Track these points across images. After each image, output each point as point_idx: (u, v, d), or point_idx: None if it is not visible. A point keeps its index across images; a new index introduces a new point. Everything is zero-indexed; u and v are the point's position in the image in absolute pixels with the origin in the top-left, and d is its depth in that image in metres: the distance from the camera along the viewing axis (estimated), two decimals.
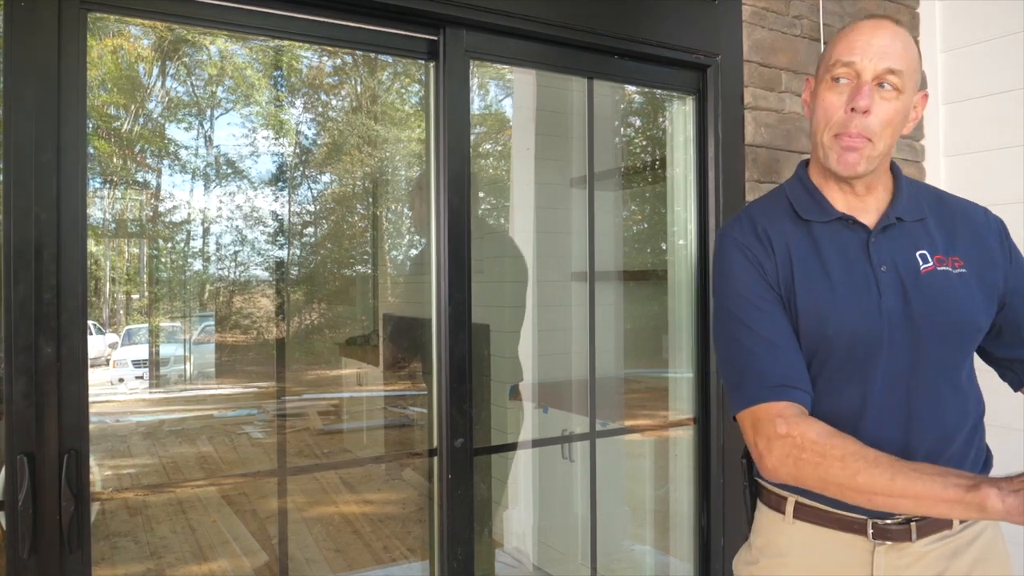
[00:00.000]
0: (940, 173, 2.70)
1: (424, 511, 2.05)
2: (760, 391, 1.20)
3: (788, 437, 1.14)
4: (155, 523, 3.55)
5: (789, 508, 1.33)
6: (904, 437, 1.24)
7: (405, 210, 4.60)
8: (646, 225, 3.65)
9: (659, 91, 2.54)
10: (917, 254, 1.27)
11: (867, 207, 1.31)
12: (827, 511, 1.29)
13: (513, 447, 3.02)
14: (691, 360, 2.41)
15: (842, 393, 1.26)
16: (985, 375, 1.45)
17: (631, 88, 3.19)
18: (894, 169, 1.37)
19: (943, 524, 1.27)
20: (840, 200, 1.32)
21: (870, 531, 1.26)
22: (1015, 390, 1.38)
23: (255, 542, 3.35)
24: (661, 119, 2.71)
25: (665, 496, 2.77)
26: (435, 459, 1.92)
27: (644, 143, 3.50)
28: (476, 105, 3.76)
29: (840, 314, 1.24)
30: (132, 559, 3.25)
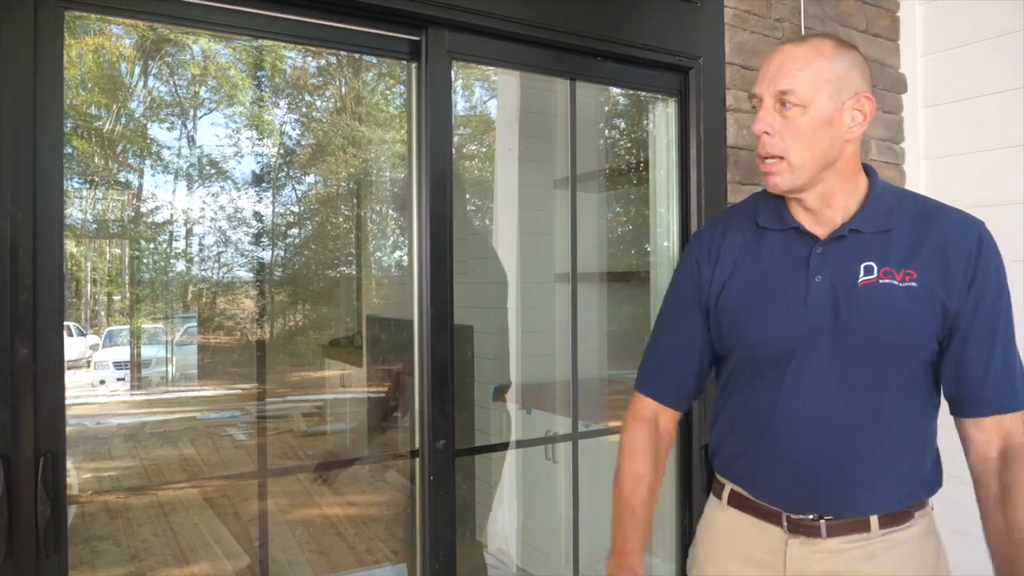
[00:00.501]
0: (920, 175, 2.73)
1: (408, 513, 2.05)
2: (640, 383, 1.51)
3: (624, 431, 1.49)
4: (136, 526, 3.52)
5: (725, 494, 1.45)
6: (817, 444, 1.30)
7: (390, 211, 4.59)
8: (631, 227, 3.66)
9: (642, 93, 2.55)
10: (862, 265, 1.29)
11: (829, 219, 1.34)
12: (752, 501, 1.39)
13: (495, 448, 3.01)
14: None
15: (757, 394, 1.36)
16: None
17: (615, 90, 3.20)
18: (871, 179, 1.37)
19: (859, 526, 1.30)
20: (800, 213, 1.37)
21: (785, 523, 1.34)
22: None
23: (237, 545, 3.33)
24: (645, 121, 2.72)
25: None
26: (417, 460, 1.92)
27: (628, 145, 3.50)
28: (461, 107, 3.76)
29: (760, 322, 1.34)
30: (112, 563, 3.22)
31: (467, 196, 3.48)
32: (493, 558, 3.13)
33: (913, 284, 1.26)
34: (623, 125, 3.58)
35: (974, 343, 1.26)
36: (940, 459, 1.37)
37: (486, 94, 3.81)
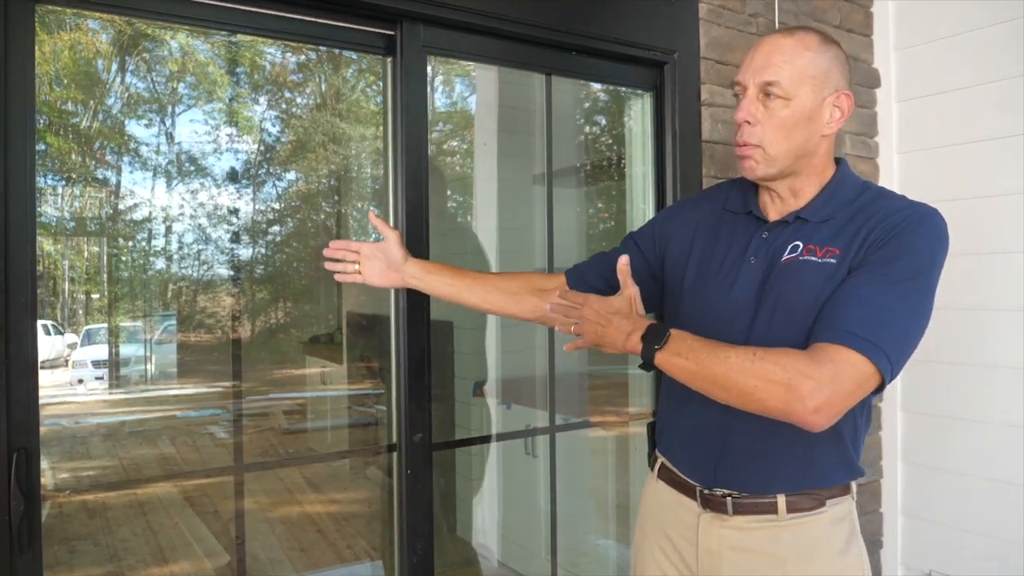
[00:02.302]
0: (893, 169, 2.76)
1: (388, 509, 2.06)
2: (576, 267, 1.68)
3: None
4: (115, 525, 3.49)
5: (657, 467, 1.53)
6: (720, 419, 1.34)
7: (371, 208, 4.58)
8: (612, 223, 3.67)
9: (619, 88, 2.56)
10: (790, 246, 1.33)
11: (791, 207, 1.38)
12: (675, 474, 1.46)
13: (472, 441, 3.02)
14: None
15: None
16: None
17: (595, 86, 3.20)
18: (836, 172, 1.39)
19: (767, 507, 1.33)
20: (766, 200, 1.41)
21: (698, 497, 1.39)
22: None
23: (217, 543, 3.31)
24: (622, 116, 2.73)
25: (627, 490, 2.79)
26: (395, 455, 1.92)
27: (607, 140, 3.52)
28: (441, 102, 3.75)
29: (694, 296, 1.43)
30: (91, 562, 3.20)
31: (447, 192, 3.48)
32: (474, 552, 3.14)
33: (832, 260, 1.27)
34: (602, 121, 3.59)
35: (841, 285, 1.24)
36: (856, 446, 1.36)
37: (467, 89, 3.81)
